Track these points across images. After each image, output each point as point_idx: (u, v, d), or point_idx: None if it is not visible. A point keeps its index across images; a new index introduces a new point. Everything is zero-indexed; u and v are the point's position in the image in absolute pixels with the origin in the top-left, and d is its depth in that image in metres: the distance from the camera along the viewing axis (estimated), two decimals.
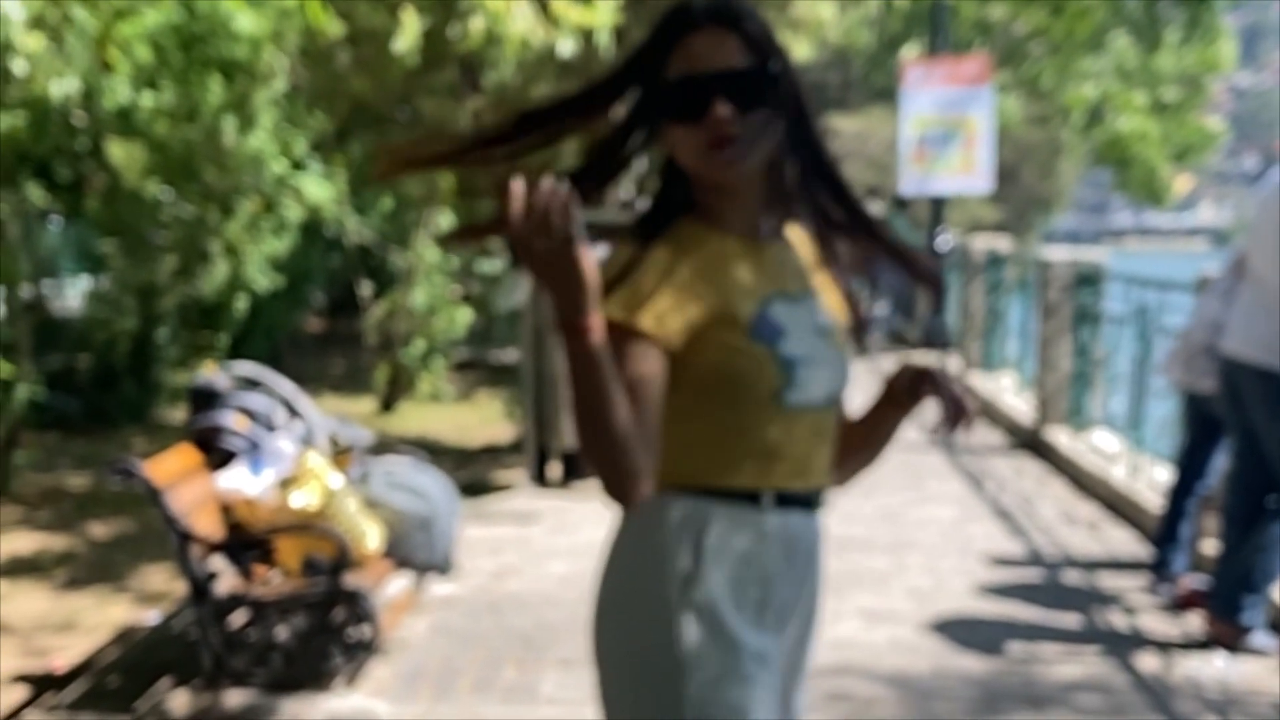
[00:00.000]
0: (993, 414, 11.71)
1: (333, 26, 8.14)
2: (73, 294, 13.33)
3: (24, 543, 7.68)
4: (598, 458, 1.91)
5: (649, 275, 2.10)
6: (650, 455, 1.98)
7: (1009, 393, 11.98)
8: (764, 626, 2.21)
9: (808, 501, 2.25)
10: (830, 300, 2.31)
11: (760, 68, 2.12)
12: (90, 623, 6.36)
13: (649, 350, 2.05)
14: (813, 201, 2.26)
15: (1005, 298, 13.04)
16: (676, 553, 2.15)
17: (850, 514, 7.93)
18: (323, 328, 19.01)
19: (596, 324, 1.83)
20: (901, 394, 2.32)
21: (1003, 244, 13.98)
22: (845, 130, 29.34)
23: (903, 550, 7.29)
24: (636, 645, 2.19)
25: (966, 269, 14.36)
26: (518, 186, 1.75)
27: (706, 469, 2.17)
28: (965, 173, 15.78)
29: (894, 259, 2.35)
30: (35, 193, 11.56)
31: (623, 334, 2.02)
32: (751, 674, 2.17)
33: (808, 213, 2.28)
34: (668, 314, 2.08)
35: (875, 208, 19.42)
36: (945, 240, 16.17)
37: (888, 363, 15.54)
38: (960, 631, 5.88)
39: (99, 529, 8.00)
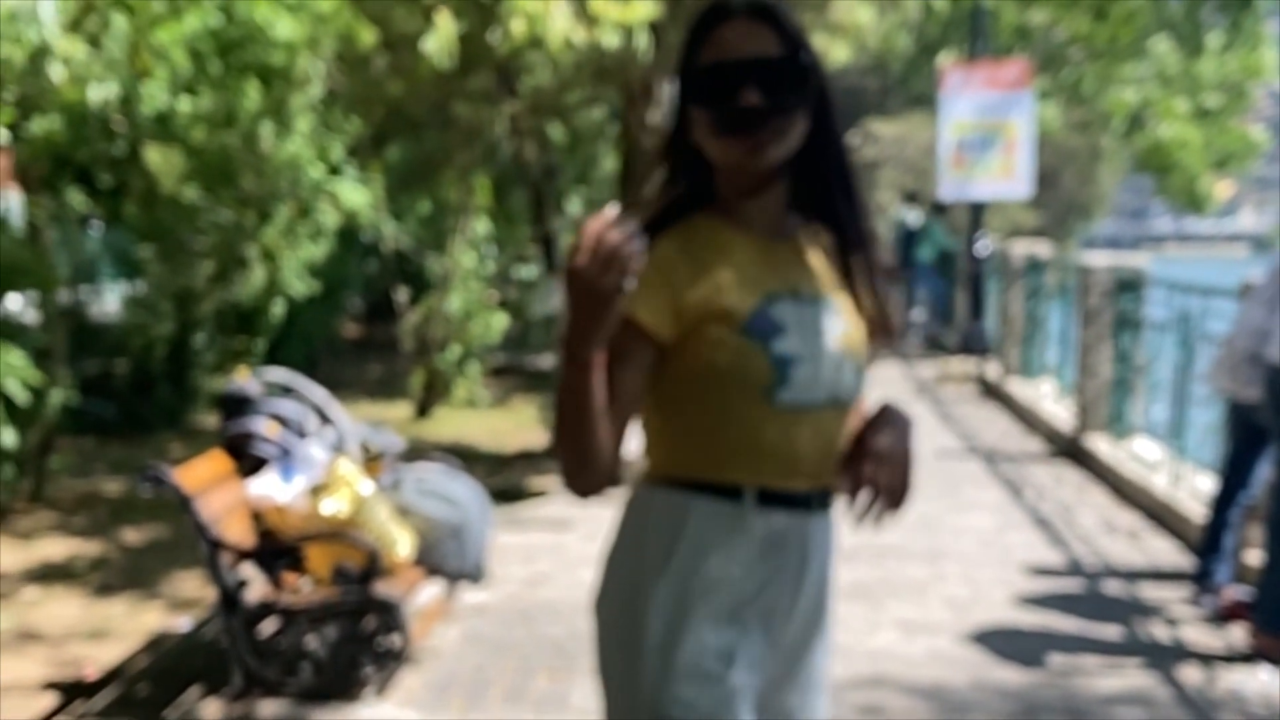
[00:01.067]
0: (1032, 421, 11.61)
1: (366, 35, 8.12)
2: (112, 299, 13.35)
3: (57, 549, 7.67)
4: (565, 457, 2.10)
5: (648, 266, 2.10)
6: (614, 455, 2.11)
7: (1048, 399, 11.87)
8: (740, 625, 2.19)
9: (804, 502, 2.23)
10: (849, 304, 2.29)
11: (791, 58, 2.15)
12: (122, 630, 6.34)
13: (638, 338, 2.12)
14: (825, 203, 2.27)
15: (1045, 303, 12.92)
16: (652, 545, 2.20)
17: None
18: (360, 333, 19.02)
19: (599, 361, 1.99)
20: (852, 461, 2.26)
21: (1042, 249, 13.85)
22: (884, 135, 29.23)
23: (940, 559, 7.20)
24: (610, 634, 2.25)
25: (1006, 274, 14.25)
26: (597, 224, 1.88)
27: (692, 462, 2.20)
28: (1005, 178, 15.66)
29: (871, 288, 2.32)
30: (76, 198, 11.59)
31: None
32: (712, 671, 2.17)
33: (820, 214, 2.28)
34: (660, 305, 2.13)
35: (913, 214, 19.40)
36: (984, 245, 16.06)
37: (925, 369, 15.46)
38: (999, 643, 5.79)
39: (133, 535, 7.99)
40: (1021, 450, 10.52)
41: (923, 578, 6.85)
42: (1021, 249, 14.00)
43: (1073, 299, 11.13)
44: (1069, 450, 10.17)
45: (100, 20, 7.78)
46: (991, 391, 13.73)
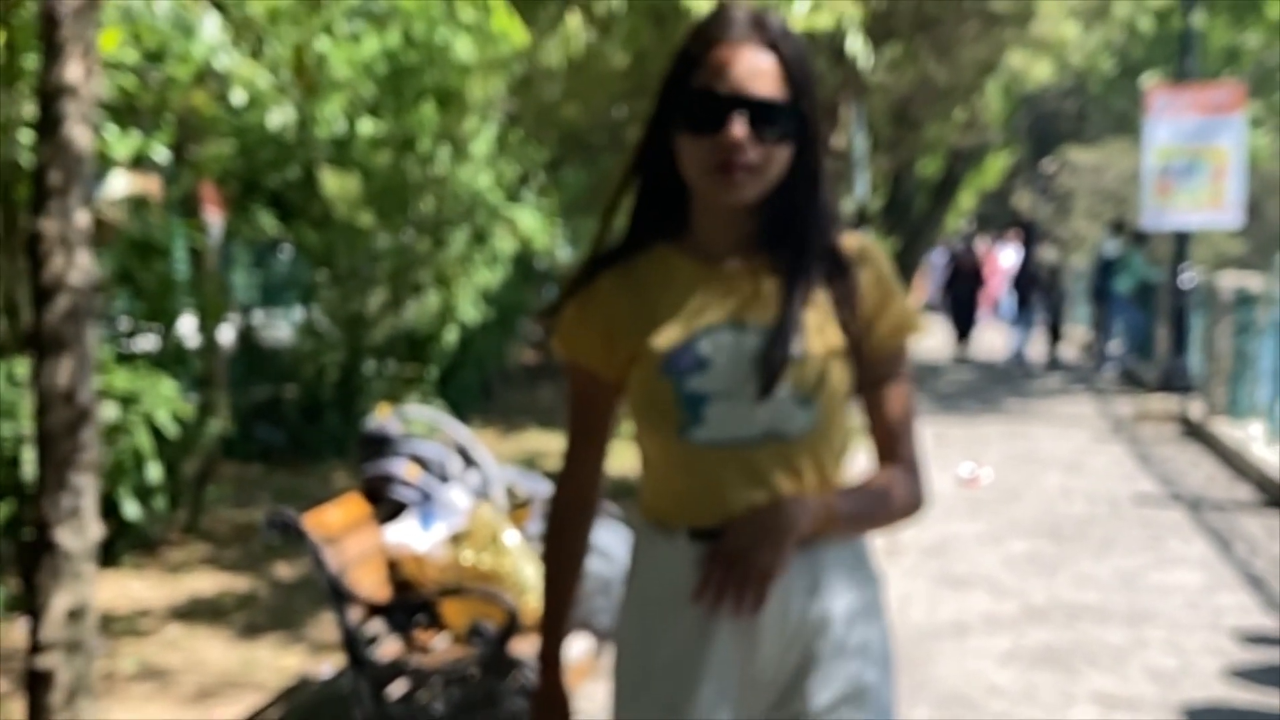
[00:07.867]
0: (1240, 466, 10.83)
1: (518, 33, 7.83)
2: (290, 323, 13.25)
3: (207, 583, 7.41)
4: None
5: (589, 308, 2.20)
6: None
7: (1258, 443, 11.07)
8: (689, 660, 2.14)
9: None
10: (815, 332, 2.13)
11: (790, 102, 2.07)
12: (262, 673, 6.02)
13: (590, 379, 2.22)
14: (794, 231, 2.16)
15: (1255, 339, 12.10)
16: (628, 581, 2.25)
17: (1082, 577, 7.26)
18: (536, 360, 18.79)
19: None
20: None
21: (1254, 282, 13.00)
22: (1081, 163, 28.32)
23: (1142, 622, 6.57)
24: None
25: (1213, 307, 13.44)
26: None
27: (648, 501, 2.22)
28: (1212, 206, 14.83)
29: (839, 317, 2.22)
30: (268, 221, 11.49)
31: (569, 366, 2.24)
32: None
33: (785, 248, 2.17)
34: (598, 347, 2.19)
35: (1112, 243, 18.58)
36: (1189, 277, 15.19)
37: (1122, 406, 14.68)
38: None
39: (285, 570, 7.70)
40: (1229, 498, 9.77)
41: (1122, 644, 6.24)
42: (1230, 281, 13.19)
43: None
44: None
45: (258, 39, 7.57)
46: (1195, 432, 12.92)
